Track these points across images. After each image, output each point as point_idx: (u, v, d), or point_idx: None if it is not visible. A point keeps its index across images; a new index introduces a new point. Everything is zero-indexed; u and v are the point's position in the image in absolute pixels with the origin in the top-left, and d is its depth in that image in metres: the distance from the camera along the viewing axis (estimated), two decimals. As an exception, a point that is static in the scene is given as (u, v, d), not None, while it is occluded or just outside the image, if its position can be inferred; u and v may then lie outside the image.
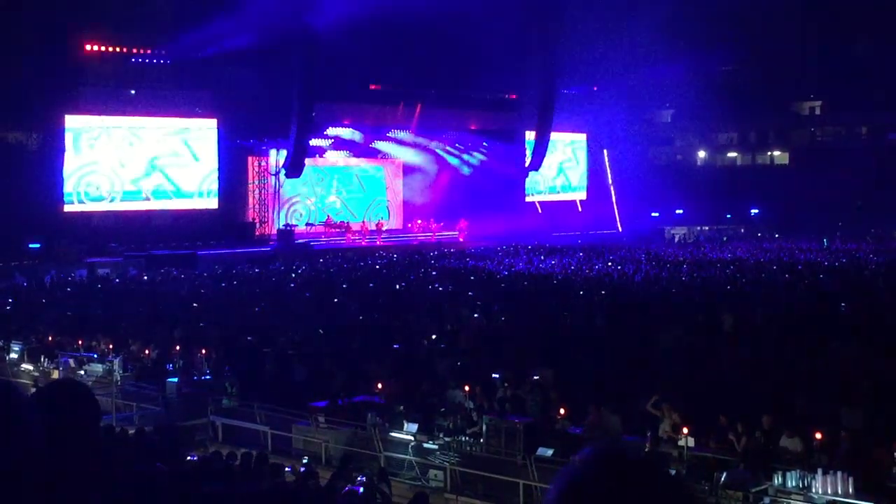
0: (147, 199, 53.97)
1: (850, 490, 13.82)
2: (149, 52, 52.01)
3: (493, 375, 20.50)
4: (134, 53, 51.64)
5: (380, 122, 62.13)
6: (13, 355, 25.83)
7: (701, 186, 74.50)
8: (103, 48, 50.34)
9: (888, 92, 69.63)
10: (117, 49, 50.88)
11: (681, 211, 75.05)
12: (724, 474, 14.53)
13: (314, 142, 58.45)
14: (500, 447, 17.09)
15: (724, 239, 67.09)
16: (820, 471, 14.03)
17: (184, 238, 52.03)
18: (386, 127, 63.29)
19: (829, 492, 13.76)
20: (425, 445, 17.87)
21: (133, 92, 52.72)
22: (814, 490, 13.92)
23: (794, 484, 14.13)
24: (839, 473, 13.89)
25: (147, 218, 54.09)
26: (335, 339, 26.01)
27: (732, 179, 77.89)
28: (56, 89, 48.67)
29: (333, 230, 61.53)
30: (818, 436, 15.17)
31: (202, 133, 55.74)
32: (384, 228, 64.02)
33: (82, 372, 23.94)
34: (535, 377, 20.43)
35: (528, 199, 71.78)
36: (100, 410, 1.88)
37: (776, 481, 14.30)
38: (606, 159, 76.62)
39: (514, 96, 66.95)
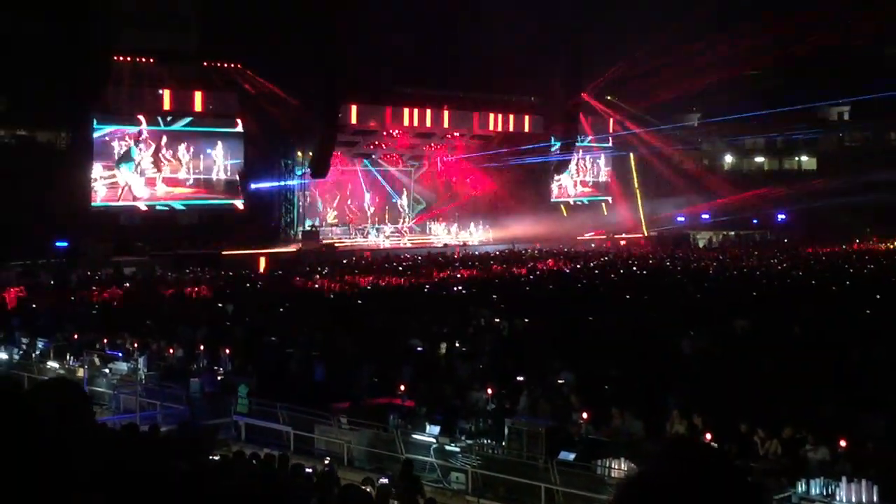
0: (172, 198, 54.19)
1: (875, 498, 13.69)
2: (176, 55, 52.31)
3: (518, 378, 20.39)
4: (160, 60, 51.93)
5: (405, 123, 62.19)
6: (39, 353, 26.02)
7: (727, 191, 74.07)
8: (130, 59, 50.75)
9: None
10: (145, 60, 51.23)
11: (707, 216, 74.69)
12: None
13: (339, 143, 58.60)
14: (521, 450, 17.05)
15: (751, 244, 66.76)
16: (844, 479, 13.91)
17: (209, 238, 52.26)
18: (412, 129, 63.35)
19: (854, 500, 13.63)
20: (447, 448, 17.84)
21: (160, 91, 52.99)
22: (838, 498, 13.80)
23: (818, 492, 14.02)
24: (864, 481, 13.77)
25: (173, 217, 54.35)
26: (358, 340, 26.01)
27: (759, 184, 77.35)
28: (85, 89, 48.92)
29: (358, 230, 61.74)
30: (842, 443, 15.05)
31: (229, 134, 55.93)
32: (408, 230, 64.20)
33: (107, 370, 24.09)
34: (560, 381, 20.37)
35: (553, 202, 71.64)
36: (91, 409, 1.88)
37: (800, 489, 14.19)
38: (633, 163, 76.39)
39: (541, 99, 66.84)
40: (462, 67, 57.09)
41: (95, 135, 51.37)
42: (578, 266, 47.83)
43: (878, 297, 32.82)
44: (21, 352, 26.23)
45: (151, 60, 51.57)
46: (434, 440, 18.04)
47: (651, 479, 1.78)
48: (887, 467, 14.52)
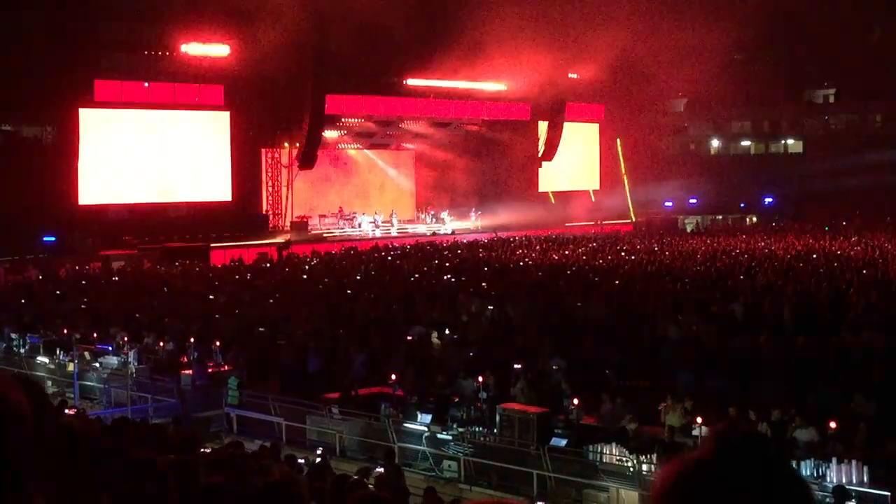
0: (160, 191, 54.03)
1: (865, 479, 13.78)
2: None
3: (516, 366, 20.37)
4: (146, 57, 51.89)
5: (392, 112, 62.14)
6: (28, 348, 25.98)
7: (714, 175, 74.22)
8: (116, 51, 50.69)
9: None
10: (131, 52, 51.21)
11: (694, 200, 74.83)
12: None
13: (327, 133, 58.49)
14: (513, 437, 17.11)
15: (737, 227, 66.84)
16: (834, 460, 13.99)
17: (198, 230, 52.16)
18: (398, 118, 63.27)
19: (844, 481, 13.71)
20: (439, 436, 17.89)
21: (147, 84, 52.84)
22: (828, 479, 13.88)
23: (808, 473, 14.10)
24: (854, 462, 13.85)
25: (161, 211, 54.24)
26: (349, 330, 26.01)
27: (746, 168, 77.54)
28: (70, 82, 48.76)
29: (346, 221, 61.60)
30: (832, 425, 15.12)
31: (215, 125, 55.79)
32: (396, 219, 64.11)
33: (97, 364, 24.08)
34: (554, 366, 20.42)
35: (541, 189, 71.66)
36: (52, 406, 1.87)
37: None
38: (619, 148, 76.41)
39: (528, 86, 66.78)
40: (448, 54, 56.93)
41: (81, 129, 51.11)
42: (567, 252, 47.86)
43: (865, 277, 32.94)
44: (9, 347, 26.21)
45: (137, 52, 51.43)
46: (426, 429, 18.08)
47: (699, 465, 1.72)
48: (877, 448, 14.62)
